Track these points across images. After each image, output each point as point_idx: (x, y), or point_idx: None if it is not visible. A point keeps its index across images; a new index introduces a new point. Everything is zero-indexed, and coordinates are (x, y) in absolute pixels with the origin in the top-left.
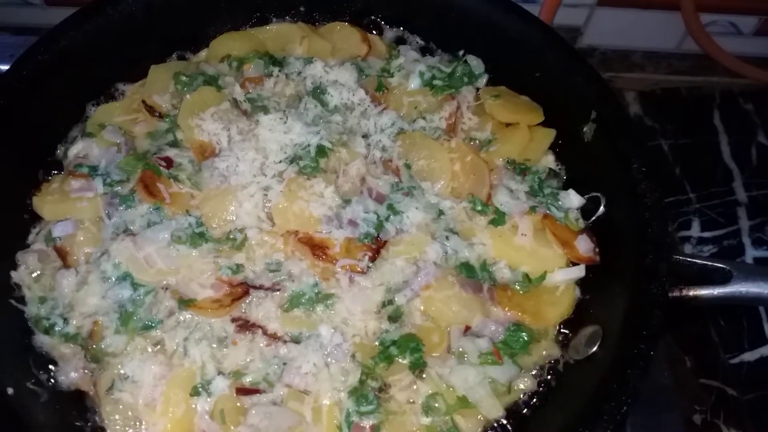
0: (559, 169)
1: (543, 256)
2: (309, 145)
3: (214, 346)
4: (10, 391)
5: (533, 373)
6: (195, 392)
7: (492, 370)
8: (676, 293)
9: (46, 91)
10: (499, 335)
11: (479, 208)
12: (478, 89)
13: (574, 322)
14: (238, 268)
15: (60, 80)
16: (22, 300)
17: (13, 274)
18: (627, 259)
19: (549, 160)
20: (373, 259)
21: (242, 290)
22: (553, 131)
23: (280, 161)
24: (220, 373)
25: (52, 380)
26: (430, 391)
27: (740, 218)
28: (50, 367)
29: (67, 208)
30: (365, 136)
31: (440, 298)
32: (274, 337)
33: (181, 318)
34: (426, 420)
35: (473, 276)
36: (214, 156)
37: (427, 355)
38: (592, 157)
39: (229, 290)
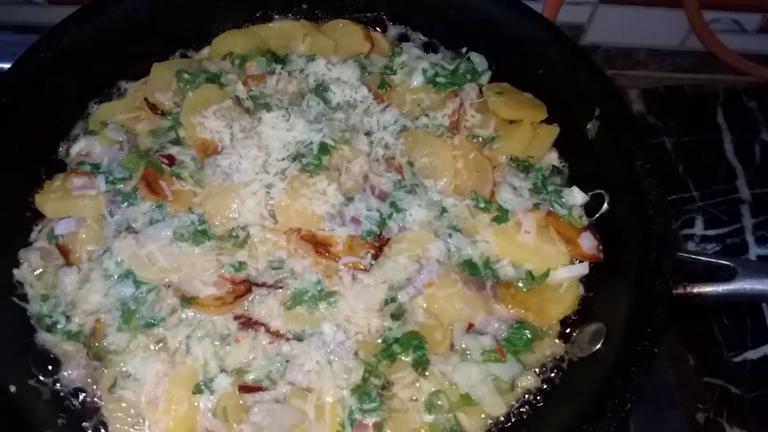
0: (563, 166)
1: (546, 253)
2: (311, 143)
3: (217, 343)
4: (12, 388)
5: (536, 370)
6: (197, 390)
7: (495, 368)
8: (680, 290)
9: (48, 89)
10: (502, 333)
11: (482, 205)
12: (481, 86)
13: (577, 319)
14: (240, 265)
15: (62, 78)
16: (24, 298)
17: (15, 271)
18: (631, 256)
19: (552, 157)
20: (375, 257)
21: (245, 288)
22: (557, 128)
23: (283, 159)
24: (222, 370)
25: (55, 378)
26: (433, 389)
27: (744, 216)
28: (52, 365)
29: (69, 205)
30: (368, 134)
31: (443, 296)
32: (276, 335)
33: (184, 316)
34: (429, 417)
35: (476, 273)
36: (217, 154)
37: (430, 352)
38: (595, 154)
39: (231, 288)
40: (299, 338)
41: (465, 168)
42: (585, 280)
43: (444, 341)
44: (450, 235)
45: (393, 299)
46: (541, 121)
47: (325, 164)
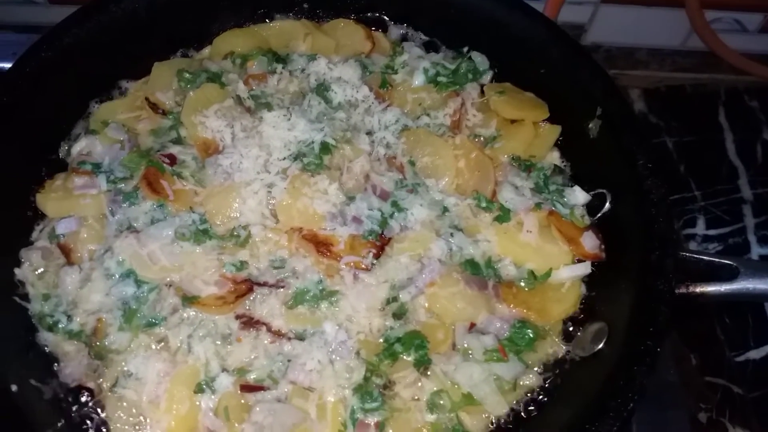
0: (565, 165)
1: (548, 252)
2: (313, 142)
3: (218, 343)
4: (13, 388)
5: (538, 370)
6: (199, 389)
7: (497, 367)
8: (683, 290)
9: (49, 89)
10: (504, 332)
11: (484, 204)
12: (482, 86)
13: (579, 319)
14: (242, 265)
15: (63, 78)
16: (25, 297)
17: (16, 271)
18: (633, 255)
19: (554, 157)
20: (377, 256)
21: (246, 287)
22: (558, 128)
23: (284, 158)
24: (224, 370)
25: (56, 377)
26: (435, 388)
27: (746, 216)
28: (54, 364)
29: (70, 205)
30: (369, 133)
31: (445, 295)
32: (278, 334)
33: (185, 315)
34: (431, 417)
35: (478, 273)
36: (218, 153)
37: (432, 352)
38: (597, 154)
39: (233, 287)
40: (301, 338)
41: (466, 167)
42: (587, 280)
43: (446, 341)
44: (452, 235)
45: (395, 299)
46: (543, 121)
47: (327, 164)
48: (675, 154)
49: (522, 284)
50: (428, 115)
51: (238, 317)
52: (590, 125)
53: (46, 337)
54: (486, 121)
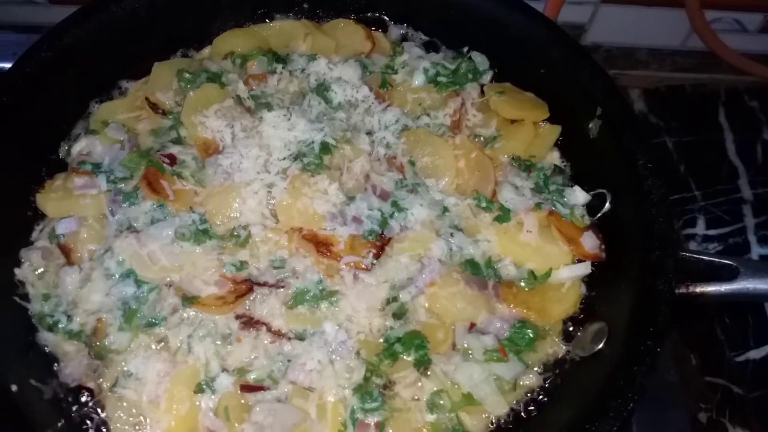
0: (565, 165)
1: (548, 252)
2: (313, 142)
3: (218, 343)
4: (13, 388)
5: (538, 370)
6: (199, 389)
7: (497, 367)
8: (683, 290)
9: (49, 89)
10: (504, 332)
11: (484, 204)
12: (482, 86)
13: (579, 319)
14: (242, 265)
15: (63, 78)
16: (25, 297)
17: (16, 271)
18: (633, 255)
19: (554, 157)
20: (377, 256)
21: (246, 287)
22: (558, 128)
23: (284, 158)
24: (224, 370)
25: (56, 377)
26: (435, 388)
27: (746, 216)
28: (54, 364)
29: (70, 205)
30: (369, 133)
31: (445, 295)
32: (278, 334)
33: (185, 315)
34: (431, 417)
35: (478, 273)
36: (218, 153)
37: (432, 352)
38: (597, 154)
39: (233, 287)
40: (301, 338)
41: (466, 167)
42: (587, 280)
43: (446, 341)
44: (452, 235)
45: (395, 299)
46: (543, 121)
47: (327, 164)
48: (675, 154)
49: (522, 284)
50: (428, 115)
51: (238, 317)
52: (590, 125)
53: (46, 337)
54: (486, 121)
